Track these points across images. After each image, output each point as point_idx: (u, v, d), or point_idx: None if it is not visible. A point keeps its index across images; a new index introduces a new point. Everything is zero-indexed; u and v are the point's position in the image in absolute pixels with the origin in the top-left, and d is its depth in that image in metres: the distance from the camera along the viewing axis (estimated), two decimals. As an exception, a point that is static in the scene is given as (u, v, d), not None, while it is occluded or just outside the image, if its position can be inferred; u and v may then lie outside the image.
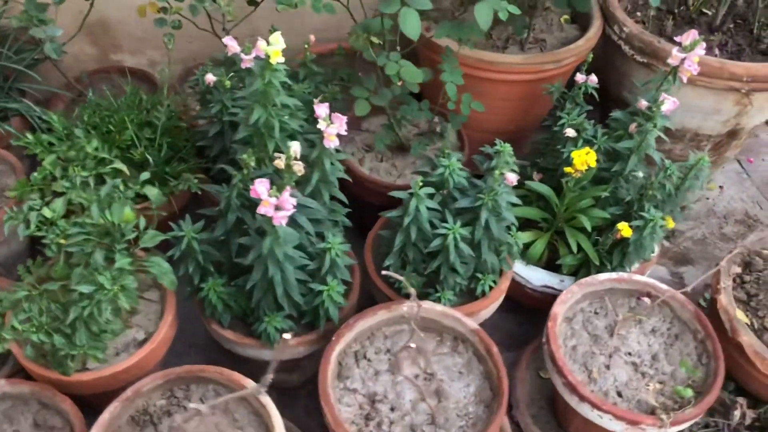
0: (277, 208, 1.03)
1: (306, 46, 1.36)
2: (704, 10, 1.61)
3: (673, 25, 1.60)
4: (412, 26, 1.08)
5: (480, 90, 1.54)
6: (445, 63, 1.32)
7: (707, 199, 1.90)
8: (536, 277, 1.42)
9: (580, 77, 1.36)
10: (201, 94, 1.36)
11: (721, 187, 1.94)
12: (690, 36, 1.28)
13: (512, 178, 1.15)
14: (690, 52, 1.28)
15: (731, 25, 1.61)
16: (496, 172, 1.14)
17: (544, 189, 1.37)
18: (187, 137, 1.45)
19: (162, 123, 1.41)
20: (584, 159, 1.25)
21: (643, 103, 1.31)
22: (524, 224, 1.42)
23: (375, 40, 1.25)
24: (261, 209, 1.02)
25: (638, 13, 1.61)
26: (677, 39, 1.31)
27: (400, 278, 1.06)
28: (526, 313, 1.54)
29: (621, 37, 1.51)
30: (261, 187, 1.02)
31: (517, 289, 1.45)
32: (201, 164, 1.43)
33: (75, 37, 1.57)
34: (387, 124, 1.44)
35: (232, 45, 1.24)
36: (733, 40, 1.58)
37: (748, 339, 1.26)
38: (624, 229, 1.28)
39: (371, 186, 1.47)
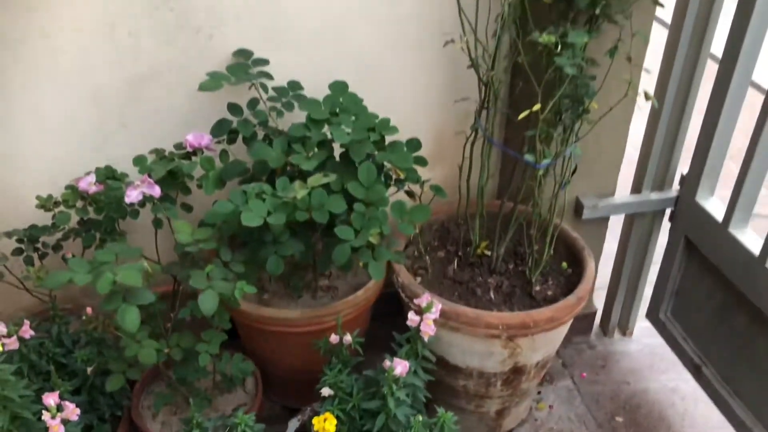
0: None
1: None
2: (486, 252, 1.74)
3: (457, 266, 1.73)
4: (131, 321, 1.19)
5: (271, 338, 1.63)
6: (200, 343, 1.42)
7: (535, 420, 1.93)
8: None
9: (334, 338, 1.46)
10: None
11: (550, 406, 1.97)
12: (424, 299, 1.40)
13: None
14: (426, 313, 1.39)
15: (511, 266, 1.74)
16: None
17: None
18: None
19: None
20: (323, 425, 1.31)
21: (387, 363, 1.39)
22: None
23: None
24: None
25: (427, 258, 1.74)
26: (416, 301, 1.42)
27: None
28: None
29: (398, 285, 1.63)
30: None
31: None
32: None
33: None
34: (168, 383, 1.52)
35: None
36: (510, 281, 1.70)
37: None
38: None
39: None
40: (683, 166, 1.86)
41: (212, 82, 1.46)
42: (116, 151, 1.70)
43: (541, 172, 1.51)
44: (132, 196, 1.43)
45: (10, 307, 1.81)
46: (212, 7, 1.57)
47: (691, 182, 1.81)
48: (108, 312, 1.26)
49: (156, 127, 1.69)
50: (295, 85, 1.63)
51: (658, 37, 1.72)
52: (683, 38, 1.65)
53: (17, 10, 1.46)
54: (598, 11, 1.33)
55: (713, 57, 1.65)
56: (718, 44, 1.63)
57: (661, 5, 1.43)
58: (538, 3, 1.40)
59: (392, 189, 1.57)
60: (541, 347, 1.62)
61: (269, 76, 1.59)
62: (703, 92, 1.72)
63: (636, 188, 1.92)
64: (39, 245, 1.64)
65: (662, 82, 1.75)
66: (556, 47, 1.28)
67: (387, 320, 1.71)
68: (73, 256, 1.66)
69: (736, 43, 1.54)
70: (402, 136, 1.58)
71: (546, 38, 1.26)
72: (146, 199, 1.47)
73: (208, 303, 1.25)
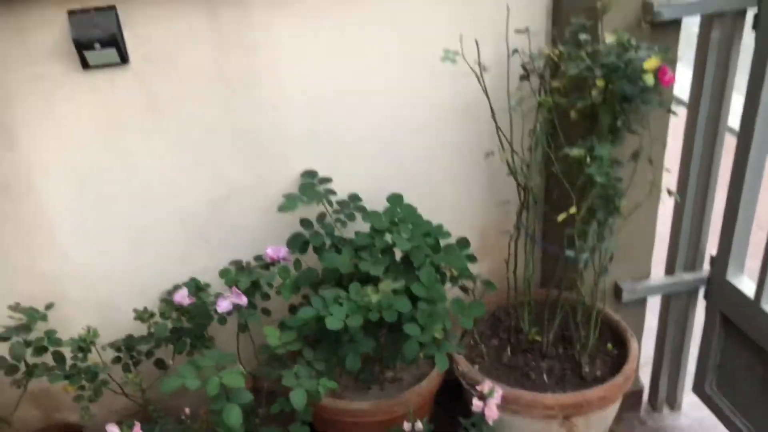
0: None
1: None
2: (537, 338, 1.90)
3: (510, 353, 1.88)
4: (235, 419, 1.37)
5: (346, 429, 1.79)
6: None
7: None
8: None
9: (407, 426, 1.61)
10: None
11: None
12: (486, 385, 1.56)
13: None
14: (488, 399, 1.54)
15: (561, 350, 1.89)
16: None
17: None
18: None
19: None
20: (403, 507, 1.45)
21: (458, 446, 1.54)
22: None
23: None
24: None
25: (482, 346, 1.90)
26: (478, 388, 1.58)
27: None
28: None
29: (458, 373, 1.79)
30: None
31: None
32: None
33: (20, 403, 1.90)
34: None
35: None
36: (561, 364, 1.84)
37: None
38: None
39: None
40: (713, 243, 2.01)
41: (290, 204, 1.69)
42: (198, 264, 1.92)
43: (581, 265, 1.69)
44: (223, 306, 1.64)
45: (103, 410, 2.00)
46: (282, 137, 1.82)
47: (720, 261, 1.96)
48: (210, 411, 1.44)
49: (233, 241, 1.92)
50: (355, 198, 1.86)
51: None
52: (701, 116, 1.82)
53: (116, 149, 1.72)
54: (619, 124, 1.54)
55: (731, 131, 1.81)
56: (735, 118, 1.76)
57: (675, 114, 1.64)
58: (566, 119, 1.62)
59: (447, 285, 1.76)
60: (595, 425, 1.74)
61: (334, 193, 1.82)
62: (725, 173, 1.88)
63: (669, 269, 2.07)
64: (134, 353, 1.85)
65: (684, 164, 1.92)
66: (585, 159, 1.49)
67: (446, 406, 1.86)
68: (163, 360, 1.86)
69: (751, 117, 1.70)
70: (450, 234, 1.79)
71: (577, 153, 1.47)
72: (234, 308, 1.68)
73: (298, 399, 1.43)
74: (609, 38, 1.48)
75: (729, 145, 1.84)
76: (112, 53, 1.60)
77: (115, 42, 1.58)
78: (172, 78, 1.68)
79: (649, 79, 1.40)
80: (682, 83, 1.70)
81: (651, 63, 1.40)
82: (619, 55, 1.43)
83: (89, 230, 1.81)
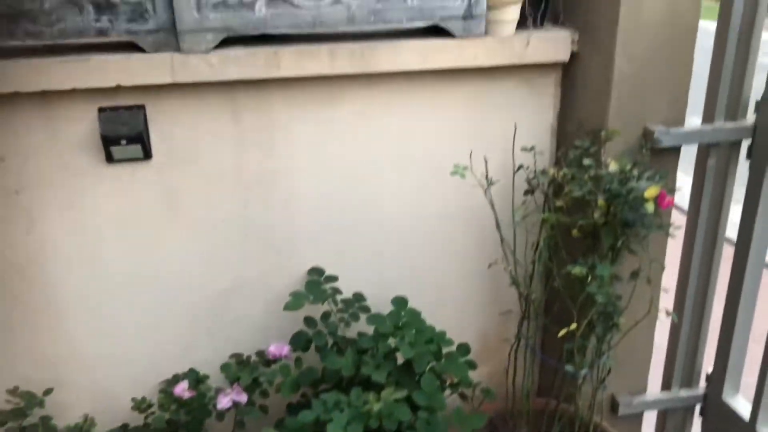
0: None
1: None
2: (533, 450, 1.89)
3: (506, 464, 1.87)
4: None
5: None
6: None
7: None
8: None
9: None
10: None
11: None
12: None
13: None
14: None
15: (557, 464, 1.88)
16: None
17: None
18: None
19: None
20: None
21: None
22: None
23: None
24: None
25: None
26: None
27: None
28: None
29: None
30: None
31: None
32: None
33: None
34: None
35: None
36: (556, 478, 1.83)
37: None
38: None
39: None
40: (710, 358, 2.02)
41: (295, 303, 1.72)
42: (198, 355, 1.93)
43: (580, 381, 1.70)
44: (223, 402, 1.64)
45: None
46: (292, 234, 1.87)
47: (715, 380, 1.97)
48: None
49: (235, 334, 1.94)
50: (359, 297, 1.89)
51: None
52: (698, 237, 1.88)
53: (131, 239, 1.77)
54: (620, 244, 1.60)
55: (729, 241, 1.87)
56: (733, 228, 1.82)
57: (673, 236, 1.70)
58: (568, 236, 1.68)
59: (447, 392, 1.77)
60: None
61: (339, 292, 1.86)
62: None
63: (666, 385, 2.09)
64: (128, 442, 1.83)
65: (682, 282, 1.96)
66: (587, 277, 1.54)
67: None
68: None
69: (745, 244, 1.76)
70: (453, 341, 1.81)
71: (578, 271, 1.52)
72: (233, 404, 1.68)
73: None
74: (612, 165, 1.56)
75: (727, 254, 1.89)
76: (137, 149, 1.67)
77: (141, 139, 1.65)
78: (191, 174, 1.75)
79: (650, 207, 1.47)
80: (683, 190, 1.77)
81: (651, 192, 1.47)
82: (621, 182, 1.51)
83: (96, 316, 1.83)
